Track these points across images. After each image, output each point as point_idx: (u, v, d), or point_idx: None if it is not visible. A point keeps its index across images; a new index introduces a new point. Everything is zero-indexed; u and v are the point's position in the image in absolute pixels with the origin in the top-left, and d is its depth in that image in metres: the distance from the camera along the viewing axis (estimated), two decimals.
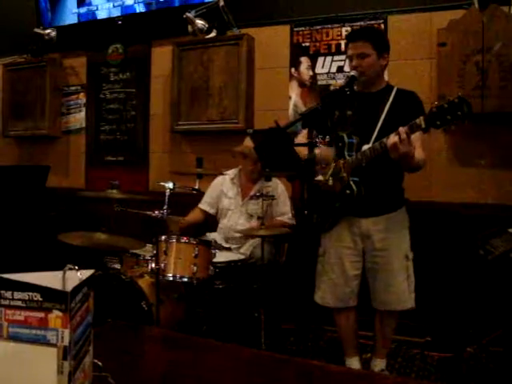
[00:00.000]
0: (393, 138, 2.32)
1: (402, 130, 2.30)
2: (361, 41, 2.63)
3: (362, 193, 2.60)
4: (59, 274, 1.09)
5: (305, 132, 3.87)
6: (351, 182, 2.60)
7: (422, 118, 2.28)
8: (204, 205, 3.76)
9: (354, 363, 2.91)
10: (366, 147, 2.58)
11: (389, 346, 2.98)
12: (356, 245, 2.74)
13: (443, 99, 2.25)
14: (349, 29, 3.99)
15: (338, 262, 2.77)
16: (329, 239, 2.81)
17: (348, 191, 2.61)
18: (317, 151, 2.73)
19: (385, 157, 2.45)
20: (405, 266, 2.70)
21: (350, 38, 2.73)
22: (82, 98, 5.22)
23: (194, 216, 3.76)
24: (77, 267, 1.09)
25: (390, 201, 2.73)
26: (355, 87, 2.66)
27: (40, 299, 0.98)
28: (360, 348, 3.02)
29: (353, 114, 2.69)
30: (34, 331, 0.99)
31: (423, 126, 2.27)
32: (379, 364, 2.91)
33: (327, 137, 2.91)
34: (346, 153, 2.64)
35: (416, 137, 2.44)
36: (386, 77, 3.76)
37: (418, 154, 2.50)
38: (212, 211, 3.77)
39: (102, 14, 4.89)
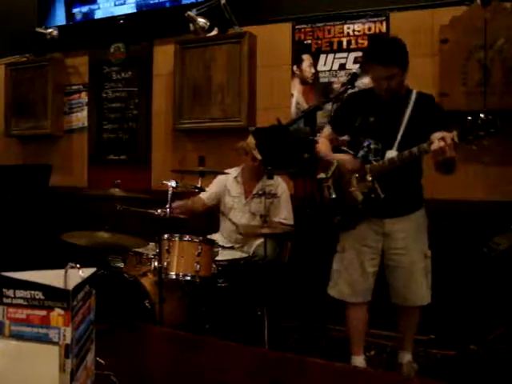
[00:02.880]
0: (439, 143, 2.36)
1: (447, 135, 2.35)
2: (391, 65, 2.62)
3: (386, 196, 2.66)
4: (61, 272, 1.09)
5: None
6: (377, 187, 2.67)
7: (455, 132, 2.34)
8: (205, 194, 3.75)
9: (360, 361, 2.94)
10: (390, 153, 2.64)
11: (413, 339, 3.03)
12: (377, 244, 2.80)
13: (475, 115, 2.30)
14: (351, 26, 3.99)
15: (357, 259, 2.82)
16: (350, 237, 2.85)
17: (373, 195, 2.68)
18: (339, 157, 2.81)
19: (408, 162, 2.53)
20: (423, 263, 2.78)
21: (379, 61, 2.65)
22: (84, 97, 5.22)
23: (195, 200, 3.77)
24: (78, 265, 1.09)
25: (411, 202, 2.80)
26: (350, 90, 2.71)
27: (42, 297, 0.98)
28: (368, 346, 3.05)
29: (375, 120, 2.74)
30: (36, 329, 0.99)
31: (456, 140, 2.34)
32: (406, 356, 2.98)
33: (345, 136, 2.97)
34: (371, 158, 2.70)
35: None
36: None
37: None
38: (209, 202, 3.78)
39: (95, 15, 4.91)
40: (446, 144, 2.33)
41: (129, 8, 4.77)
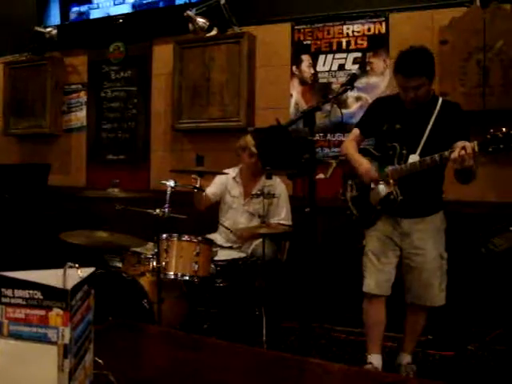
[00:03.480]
0: (459, 151, 2.41)
1: (468, 144, 2.40)
2: (417, 76, 2.64)
3: (404, 199, 2.73)
4: (60, 272, 1.09)
5: None
6: (397, 190, 2.74)
7: (475, 142, 2.39)
8: (210, 190, 3.75)
9: (377, 360, 2.93)
10: (413, 157, 2.70)
11: (416, 342, 3.06)
12: (397, 238, 2.88)
13: (497, 129, 2.36)
14: (350, 27, 3.99)
15: (381, 249, 2.89)
16: (373, 231, 2.93)
17: (392, 196, 2.75)
18: (360, 167, 2.87)
19: (429, 168, 2.59)
20: (439, 264, 2.84)
21: (405, 73, 2.67)
22: (83, 97, 5.21)
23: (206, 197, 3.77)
24: (77, 265, 1.09)
25: (430, 205, 2.86)
26: (350, 91, 2.74)
27: (40, 297, 0.98)
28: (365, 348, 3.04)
29: (401, 127, 2.80)
30: (34, 329, 0.99)
31: (476, 150, 2.39)
32: (406, 358, 3.01)
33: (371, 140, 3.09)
34: (395, 161, 2.76)
35: None
36: (387, 76, 3.78)
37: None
38: (213, 199, 3.78)
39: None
40: (466, 153, 2.38)
41: (124, 8, 4.77)
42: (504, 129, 2.33)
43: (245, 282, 3.28)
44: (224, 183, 3.76)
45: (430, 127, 2.72)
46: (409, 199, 2.74)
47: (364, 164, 2.86)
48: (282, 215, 3.62)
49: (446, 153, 2.51)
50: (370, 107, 3.10)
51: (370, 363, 2.88)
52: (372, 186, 2.84)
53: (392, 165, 2.77)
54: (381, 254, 2.88)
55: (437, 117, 2.73)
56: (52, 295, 0.98)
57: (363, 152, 2.98)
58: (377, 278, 2.88)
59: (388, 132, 2.84)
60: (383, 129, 2.86)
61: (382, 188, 2.79)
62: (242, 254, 3.36)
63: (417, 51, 2.74)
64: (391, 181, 2.75)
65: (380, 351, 2.97)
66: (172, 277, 2.97)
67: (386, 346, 3.43)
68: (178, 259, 2.99)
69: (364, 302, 2.95)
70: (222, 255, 3.23)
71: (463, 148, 2.40)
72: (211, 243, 3.13)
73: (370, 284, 2.89)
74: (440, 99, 2.81)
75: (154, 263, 2.91)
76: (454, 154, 2.43)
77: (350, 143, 3.04)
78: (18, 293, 0.99)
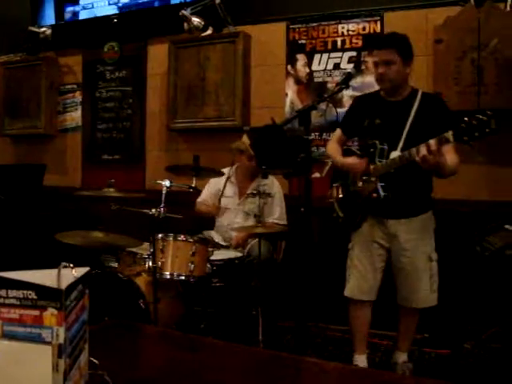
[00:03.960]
0: (422, 151, 2.40)
1: (431, 142, 2.38)
2: (387, 48, 2.66)
3: (388, 197, 2.69)
4: (54, 271, 1.09)
5: None
6: (379, 187, 2.69)
7: (450, 132, 2.35)
8: (202, 198, 3.77)
9: (362, 360, 2.96)
10: (394, 154, 2.66)
11: (411, 341, 3.05)
12: (384, 241, 2.83)
13: (471, 115, 2.30)
14: (345, 26, 4.00)
15: (366, 254, 2.85)
16: (359, 234, 2.89)
17: (375, 195, 2.71)
18: (347, 162, 2.87)
19: (414, 163, 2.52)
20: (428, 266, 2.79)
21: (376, 44, 2.74)
22: (78, 97, 5.20)
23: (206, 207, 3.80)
24: (72, 265, 1.09)
25: (418, 205, 2.81)
26: (381, 94, 2.78)
27: (35, 297, 0.98)
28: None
29: (381, 122, 2.77)
30: (28, 329, 0.99)
31: (451, 140, 2.35)
32: (402, 356, 3.00)
33: (356, 139, 3.08)
34: (376, 159, 2.72)
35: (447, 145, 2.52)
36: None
37: (451, 159, 2.58)
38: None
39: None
40: (431, 150, 2.36)
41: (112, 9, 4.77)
42: (478, 115, 2.26)
43: (241, 282, 3.28)
44: (216, 187, 3.75)
45: (410, 121, 2.68)
46: (395, 198, 2.69)
47: (348, 160, 2.84)
48: (276, 215, 3.62)
49: (414, 149, 2.47)
50: (350, 106, 3.07)
51: (356, 365, 2.88)
52: (357, 188, 2.81)
53: (373, 162, 2.73)
54: (366, 260, 2.84)
55: (417, 110, 2.69)
56: (46, 295, 0.98)
57: (346, 152, 2.96)
58: (360, 283, 2.85)
59: (369, 128, 2.80)
60: (364, 125, 2.82)
61: (366, 186, 2.75)
62: (239, 254, 3.36)
63: (391, 32, 2.81)
64: (373, 178, 2.71)
65: (365, 351, 3.00)
66: (168, 277, 2.97)
67: (382, 344, 3.45)
68: (174, 259, 2.99)
69: (350, 306, 2.93)
70: (218, 255, 3.22)
71: (426, 145, 2.38)
72: (207, 243, 3.13)
73: (353, 289, 2.87)
74: (420, 92, 2.77)
75: (150, 263, 2.91)
76: (419, 154, 2.41)
77: (331, 145, 3.03)
78: (12, 293, 0.99)
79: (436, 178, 2.75)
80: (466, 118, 2.29)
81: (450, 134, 2.35)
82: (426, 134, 2.49)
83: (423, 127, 2.59)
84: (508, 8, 3.40)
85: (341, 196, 2.95)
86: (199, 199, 3.80)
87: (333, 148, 3.01)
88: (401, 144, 2.66)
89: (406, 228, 2.77)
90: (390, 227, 2.79)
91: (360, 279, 2.85)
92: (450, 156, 2.56)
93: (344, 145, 3.04)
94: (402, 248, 2.78)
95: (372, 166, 2.72)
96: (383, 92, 2.80)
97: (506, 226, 3.07)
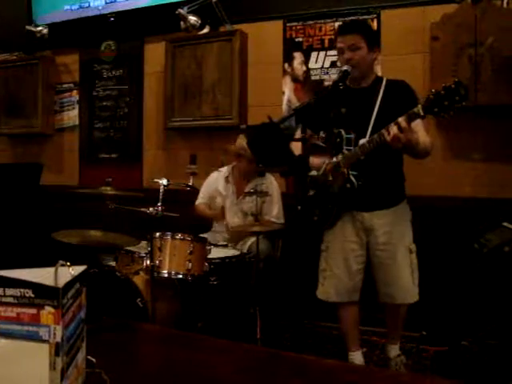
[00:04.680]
0: (393, 130, 2.34)
1: (401, 119, 2.32)
2: (352, 33, 2.65)
3: (362, 185, 2.62)
4: (51, 270, 1.09)
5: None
6: (351, 176, 2.63)
7: (419, 106, 2.30)
8: (203, 200, 3.77)
9: (358, 357, 2.93)
10: (362, 141, 2.59)
11: (400, 333, 3.00)
12: (360, 239, 2.76)
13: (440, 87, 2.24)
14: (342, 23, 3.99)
15: (342, 256, 2.78)
16: (333, 234, 2.82)
17: (348, 185, 2.63)
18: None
19: (384, 150, 2.47)
20: (408, 259, 2.72)
21: (341, 30, 2.74)
22: (75, 96, 5.20)
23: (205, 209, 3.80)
24: (69, 263, 1.09)
25: (392, 194, 2.75)
26: (347, 82, 2.70)
27: (32, 295, 0.98)
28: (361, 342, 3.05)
29: (347, 110, 2.71)
30: (26, 328, 0.98)
31: (421, 113, 2.29)
32: (394, 349, 2.95)
33: (321, 133, 2.90)
34: (344, 148, 2.66)
35: (418, 123, 2.47)
36: (378, 72, 3.78)
37: (423, 137, 2.53)
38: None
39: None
40: (401, 128, 2.30)
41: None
42: (446, 83, 2.20)
43: (239, 280, 3.28)
44: (213, 187, 3.75)
45: (377, 108, 2.63)
46: (368, 187, 2.62)
47: (314, 163, 2.81)
48: (273, 213, 3.61)
49: (384, 130, 2.41)
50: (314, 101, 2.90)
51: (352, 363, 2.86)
52: (329, 177, 2.72)
53: (341, 152, 2.66)
54: (341, 263, 2.77)
55: (383, 97, 2.65)
56: (43, 293, 0.98)
57: (310, 149, 2.88)
58: (336, 286, 2.79)
59: (335, 118, 2.73)
60: (330, 116, 2.75)
61: (337, 178, 2.67)
62: (236, 252, 3.36)
63: (354, 19, 2.79)
64: (344, 170, 2.63)
65: (359, 348, 2.96)
66: (166, 275, 2.96)
67: (380, 342, 3.45)
68: (172, 257, 2.98)
69: (337, 308, 2.90)
70: (216, 253, 3.22)
71: (396, 123, 2.32)
72: (205, 241, 3.12)
73: (329, 292, 2.81)
74: (384, 79, 2.74)
75: (148, 262, 2.90)
76: (390, 134, 2.34)
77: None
78: (10, 291, 0.99)
79: (413, 159, 2.66)
80: (433, 90, 2.25)
81: (419, 108, 2.29)
82: (394, 119, 2.40)
83: (391, 112, 2.47)
84: (505, 5, 3.40)
85: (312, 194, 2.84)
86: (199, 202, 3.78)
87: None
88: (369, 131, 2.60)
89: (382, 221, 2.70)
90: (365, 221, 2.72)
91: (337, 281, 2.78)
92: (421, 134, 2.52)
93: (309, 141, 2.95)
94: (379, 242, 2.71)
95: (340, 156, 2.66)
96: (348, 80, 2.72)
97: (504, 224, 3.08)
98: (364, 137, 2.60)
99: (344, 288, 2.79)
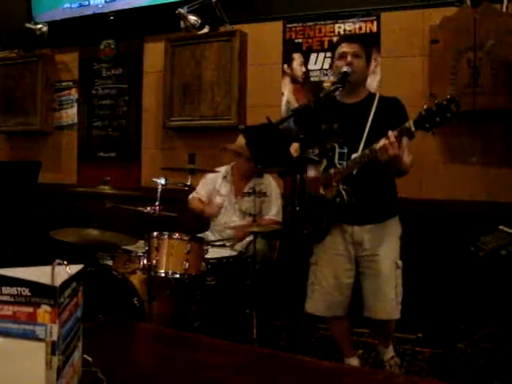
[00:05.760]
0: (382, 141, 2.36)
1: (391, 133, 2.34)
2: (357, 43, 2.71)
3: (352, 201, 2.61)
4: (48, 269, 1.09)
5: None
6: (342, 191, 2.62)
7: (411, 121, 2.30)
8: (200, 193, 3.77)
9: (353, 362, 2.94)
10: (355, 156, 2.60)
11: (391, 339, 2.99)
12: (349, 253, 2.75)
13: (432, 101, 2.26)
14: (342, 25, 4.00)
15: (331, 270, 2.77)
16: (322, 247, 2.80)
17: (338, 199, 2.62)
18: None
19: (376, 165, 2.47)
20: (394, 274, 2.70)
21: (348, 38, 2.83)
22: (74, 94, 5.19)
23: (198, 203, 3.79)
24: (66, 262, 1.09)
25: (383, 210, 2.74)
26: (338, 97, 2.75)
27: (28, 294, 0.98)
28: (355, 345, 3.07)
29: (339, 125, 2.71)
30: (22, 326, 0.98)
31: (413, 129, 2.29)
32: (387, 352, 2.94)
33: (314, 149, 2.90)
34: (336, 162, 2.66)
35: (404, 141, 2.46)
36: (378, 74, 3.80)
37: (405, 157, 2.52)
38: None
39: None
40: (389, 142, 2.32)
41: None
42: (439, 100, 2.21)
43: (236, 280, 3.28)
44: (211, 186, 3.75)
45: (369, 123, 2.63)
46: (359, 202, 2.61)
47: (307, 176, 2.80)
48: (273, 211, 3.62)
49: (375, 145, 2.42)
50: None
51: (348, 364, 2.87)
52: (321, 191, 2.72)
53: (334, 166, 2.66)
54: (331, 276, 2.76)
55: (375, 112, 2.65)
56: (40, 292, 0.98)
57: (302, 161, 2.88)
58: (326, 300, 2.78)
59: (327, 133, 2.73)
60: (323, 130, 2.74)
61: (328, 192, 2.67)
62: (234, 252, 3.36)
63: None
64: (334, 183, 2.63)
65: (355, 354, 2.98)
66: (162, 275, 2.96)
67: (375, 344, 3.44)
68: (169, 257, 2.98)
69: (326, 320, 2.91)
70: (213, 253, 3.22)
71: (387, 137, 2.34)
72: (202, 241, 3.12)
73: (318, 306, 2.79)
74: (377, 95, 2.76)
75: (145, 261, 2.90)
76: (379, 144, 2.37)
77: None
78: (6, 290, 0.98)
79: (393, 175, 2.68)
80: (425, 106, 2.25)
81: (410, 123, 2.29)
82: (386, 135, 2.41)
83: (383, 128, 2.45)
84: (504, 9, 3.41)
85: (298, 209, 2.85)
86: (193, 195, 3.77)
87: None
88: (361, 146, 2.60)
89: (372, 235, 2.69)
90: (355, 235, 2.71)
91: (326, 296, 2.77)
92: (405, 154, 2.52)
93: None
94: (367, 255, 2.70)
95: (333, 170, 2.66)
96: (340, 94, 2.74)
97: (501, 227, 3.08)
98: (356, 151, 2.60)
99: (333, 302, 2.78)
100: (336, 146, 2.67)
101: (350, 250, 2.74)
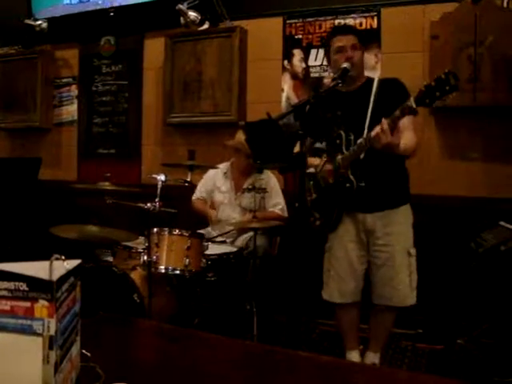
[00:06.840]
0: (375, 130, 2.38)
1: (384, 121, 2.34)
2: (352, 34, 2.72)
3: (361, 185, 2.62)
4: (46, 264, 1.08)
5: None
6: (350, 176, 2.63)
7: (411, 98, 2.31)
8: (201, 194, 3.77)
9: (355, 356, 2.93)
10: (360, 140, 2.59)
11: (384, 342, 2.96)
12: (361, 240, 2.77)
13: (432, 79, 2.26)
14: (342, 21, 3.99)
15: (344, 256, 2.79)
16: (337, 235, 2.82)
17: (348, 184, 2.63)
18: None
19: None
20: (407, 261, 2.72)
21: (341, 30, 2.80)
22: (74, 90, 5.19)
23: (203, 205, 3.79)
24: (63, 257, 1.08)
25: (394, 196, 2.75)
26: (340, 85, 2.69)
27: (26, 289, 0.97)
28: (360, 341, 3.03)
29: (342, 113, 2.72)
30: (19, 321, 0.98)
31: (414, 106, 2.29)
32: (372, 357, 2.91)
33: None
34: (343, 149, 2.67)
35: (407, 121, 2.50)
36: (378, 70, 3.79)
37: (408, 138, 2.54)
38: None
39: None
40: (382, 130, 2.33)
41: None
42: (437, 74, 2.21)
43: (236, 276, 3.28)
44: (211, 182, 3.76)
45: (371, 108, 2.64)
46: (369, 188, 2.62)
47: (312, 163, 2.81)
48: (279, 205, 3.63)
49: (371, 133, 2.44)
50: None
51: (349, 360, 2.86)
52: (330, 180, 2.74)
53: (341, 153, 2.67)
54: (345, 263, 2.78)
55: (376, 96, 2.67)
56: (37, 287, 0.97)
57: (314, 152, 2.87)
58: (340, 286, 2.80)
59: (333, 120, 2.73)
60: (328, 117, 2.75)
61: (338, 178, 2.68)
62: (234, 249, 3.36)
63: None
64: (343, 170, 2.64)
65: (357, 347, 2.96)
66: (163, 271, 2.96)
67: None
68: (169, 253, 2.98)
69: (336, 309, 2.90)
70: (213, 249, 3.22)
71: (380, 125, 2.35)
72: (202, 237, 3.12)
73: (333, 293, 2.82)
74: (376, 78, 2.78)
75: (145, 257, 2.90)
76: (372, 133, 2.39)
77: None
78: (4, 284, 0.98)
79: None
80: (425, 83, 2.26)
81: (411, 100, 2.30)
82: (389, 115, 2.41)
83: (385, 109, 2.48)
84: (505, 4, 3.40)
85: (314, 197, 2.85)
86: (196, 197, 3.79)
87: None
88: (365, 131, 2.60)
89: (384, 222, 2.71)
90: (367, 223, 2.73)
91: (340, 282, 2.80)
92: (407, 133, 2.54)
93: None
94: (379, 243, 2.72)
95: (339, 157, 2.67)
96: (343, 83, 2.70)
97: (501, 223, 3.08)
98: (361, 137, 2.60)
99: (347, 289, 2.80)
100: (342, 132, 2.68)
101: (362, 238, 2.76)
